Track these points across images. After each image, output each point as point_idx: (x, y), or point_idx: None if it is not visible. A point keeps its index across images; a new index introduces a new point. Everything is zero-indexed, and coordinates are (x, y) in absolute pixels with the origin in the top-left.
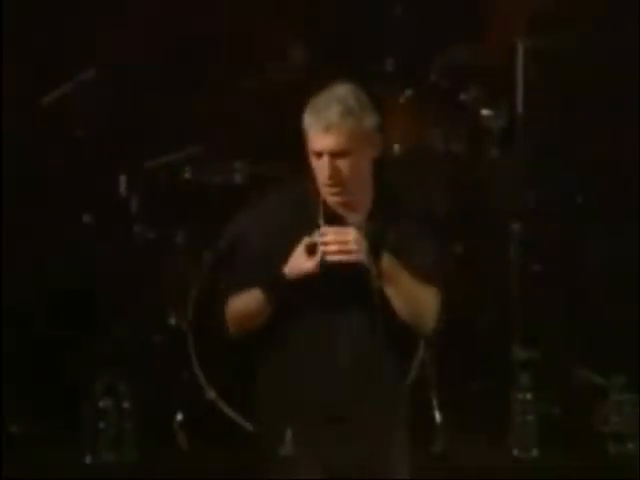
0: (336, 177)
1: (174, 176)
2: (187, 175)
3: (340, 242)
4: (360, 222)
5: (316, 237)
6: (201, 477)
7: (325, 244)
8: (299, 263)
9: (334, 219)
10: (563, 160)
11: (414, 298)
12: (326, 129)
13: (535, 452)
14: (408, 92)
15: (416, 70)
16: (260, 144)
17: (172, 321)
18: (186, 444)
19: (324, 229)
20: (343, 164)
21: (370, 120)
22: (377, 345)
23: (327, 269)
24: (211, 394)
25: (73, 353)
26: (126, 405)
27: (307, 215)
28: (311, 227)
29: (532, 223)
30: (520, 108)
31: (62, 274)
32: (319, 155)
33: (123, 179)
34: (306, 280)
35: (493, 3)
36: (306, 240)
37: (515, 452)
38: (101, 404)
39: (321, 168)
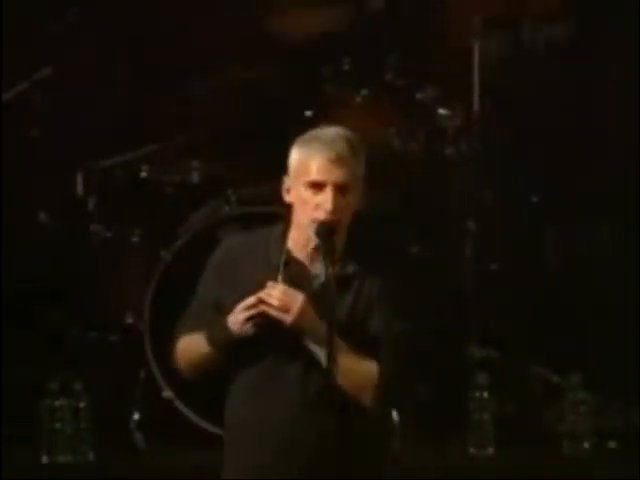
0: (336, 212)
1: (131, 175)
2: (144, 174)
3: (282, 302)
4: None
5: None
6: (158, 477)
7: (267, 300)
8: (239, 319)
9: (295, 270)
10: (518, 160)
11: (346, 371)
12: (334, 161)
13: (491, 450)
14: (364, 91)
15: (372, 69)
16: (216, 144)
17: (129, 320)
18: (143, 443)
19: (270, 285)
20: (345, 200)
21: (363, 169)
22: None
23: (263, 329)
24: (168, 393)
25: (28, 352)
26: (82, 405)
27: (270, 264)
28: (271, 277)
29: (488, 222)
30: (476, 108)
31: (18, 273)
32: (318, 187)
33: (80, 178)
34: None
35: (450, 3)
36: (252, 298)
37: (472, 450)
38: (57, 404)
39: (319, 201)
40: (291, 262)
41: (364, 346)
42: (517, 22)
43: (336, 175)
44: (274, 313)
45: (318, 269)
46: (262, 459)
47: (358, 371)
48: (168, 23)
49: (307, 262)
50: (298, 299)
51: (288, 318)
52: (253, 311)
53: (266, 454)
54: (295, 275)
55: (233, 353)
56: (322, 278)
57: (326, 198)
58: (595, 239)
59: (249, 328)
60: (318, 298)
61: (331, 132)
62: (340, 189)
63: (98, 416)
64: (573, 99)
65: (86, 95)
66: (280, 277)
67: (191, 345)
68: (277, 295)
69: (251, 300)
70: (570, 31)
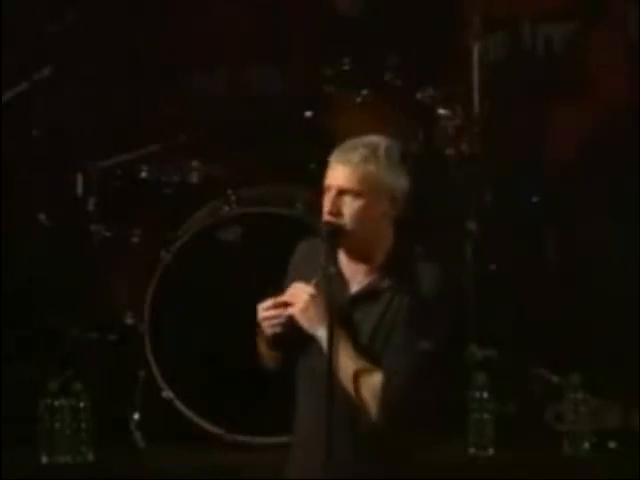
0: (336, 213)
1: (130, 175)
2: (144, 174)
3: (290, 295)
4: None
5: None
6: (158, 477)
7: (279, 301)
8: (259, 320)
9: (336, 278)
10: (518, 160)
11: (350, 379)
12: (343, 165)
13: (491, 451)
14: (364, 92)
15: (372, 70)
16: (216, 144)
17: (128, 321)
18: (143, 443)
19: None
20: (348, 204)
21: (393, 177)
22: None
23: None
24: (167, 393)
25: (28, 352)
26: (82, 405)
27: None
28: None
29: (488, 222)
30: (476, 108)
31: (18, 273)
32: (328, 189)
33: (79, 178)
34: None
35: (449, 3)
36: (269, 301)
37: (472, 451)
38: (57, 404)
39: (325, 202)
40: (335, 271)
41: (384, 360)
42: (517, 22)
43: (340, 179)
44: (284, 312)
45: (357, 280)
46: (306, 457)
47: (363, 381)
48: (168, 23)
49: (348, 273)
50: (304, 291)
51: (293, 310)
52: (266, 313)
53: (305, 453)
54: (335, 283)
55: (284, 352)
56: (357, 288)
57: (327, 199)
58: (595, 239)
59: (267, 329)
60: (348, 308)
61: (357, 140)
62: (345, 192)
63: (98, 416)
64: (573, 98)
65: (86, 95)
66: (314, 282)
67: (260, 339)
68: (288, 291)
69: (267, 302)
70: (570, 31)
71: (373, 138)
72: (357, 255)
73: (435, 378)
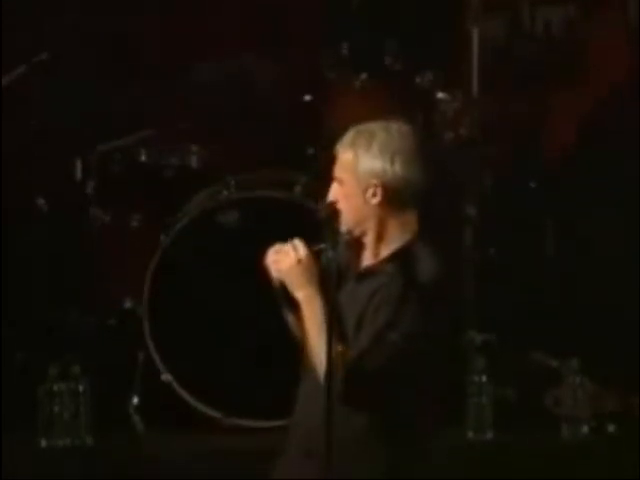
0: (330, 198)
1: (130, 159)
2: (143, 158)
3: (275, 256)
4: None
5: None
6: (157, 460)
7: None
8: None
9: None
10: (518, 144)
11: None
12: (339, 151)
13: (490, 435)
14: (363, 76)
15: (371, 54)
16: (215, 128)
17: (128, 304)
18: (142, 427)
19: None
20: (334, 190)
21: (373, 164)
22: None
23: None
24: (166, 377)
25: (27, 336)
26: (81, 389)
27: None
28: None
29: (487, 207)
30: (475, 91)
31: (17, 258)
32: None
33: (78, 162)
34: None
35: None
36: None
37: (470, 435)
38: (55, 387)
39: None
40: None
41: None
42: (516, 5)
43: (337, 164)
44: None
45: (363, 262)
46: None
47: (314, 347)
48: (168, 7)
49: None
50: (295, 252)
51: (281, 265)
52: (271, 257)
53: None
54: (336, 263)
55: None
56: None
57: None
58: (594, 224)
59: (273, 272)
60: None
61: (360, 126)
62: (335, 178)
63: (97, 400)
64: (573, 82)
65: (85, 79)
66: (316, 249)
67: None
68: (285, 246)
69: (277, 247)
70: (570, 14)
71: (375, 124)
72: (355, 238)
73: (415, 366)
